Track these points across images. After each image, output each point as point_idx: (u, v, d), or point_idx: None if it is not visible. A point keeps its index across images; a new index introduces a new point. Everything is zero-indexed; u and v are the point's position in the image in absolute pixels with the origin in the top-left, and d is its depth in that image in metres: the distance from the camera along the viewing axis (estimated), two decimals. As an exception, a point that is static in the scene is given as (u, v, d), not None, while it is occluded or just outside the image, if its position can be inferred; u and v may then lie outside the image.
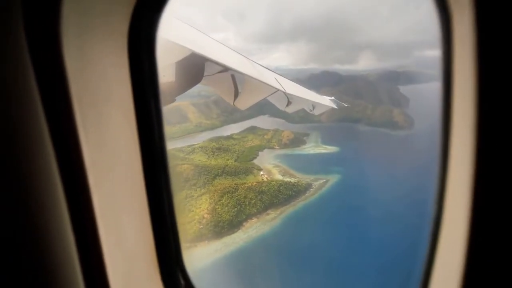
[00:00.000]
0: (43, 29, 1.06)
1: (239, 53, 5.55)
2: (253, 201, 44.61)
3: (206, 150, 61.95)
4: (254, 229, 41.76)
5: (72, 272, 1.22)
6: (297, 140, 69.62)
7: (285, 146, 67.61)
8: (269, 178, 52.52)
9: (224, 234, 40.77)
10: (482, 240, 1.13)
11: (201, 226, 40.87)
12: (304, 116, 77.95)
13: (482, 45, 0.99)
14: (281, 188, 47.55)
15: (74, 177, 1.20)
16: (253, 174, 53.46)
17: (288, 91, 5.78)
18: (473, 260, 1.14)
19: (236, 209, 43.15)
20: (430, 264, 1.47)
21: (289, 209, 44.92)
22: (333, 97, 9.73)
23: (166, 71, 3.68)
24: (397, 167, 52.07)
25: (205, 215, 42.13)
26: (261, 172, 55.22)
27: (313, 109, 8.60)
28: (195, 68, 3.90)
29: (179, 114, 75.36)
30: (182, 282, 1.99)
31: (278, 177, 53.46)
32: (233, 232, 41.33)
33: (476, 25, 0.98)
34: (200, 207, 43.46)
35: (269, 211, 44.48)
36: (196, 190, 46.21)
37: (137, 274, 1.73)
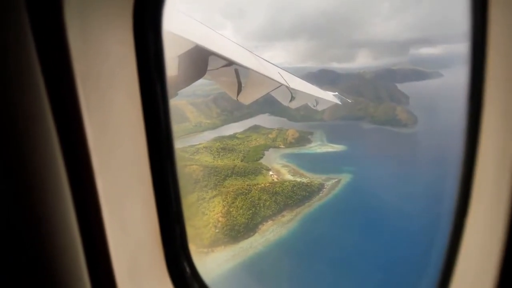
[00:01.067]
0: (45, 8, 1.03)
1: (243, 47, 5.36)
2: (267, 203, 42.96)
3: (211, 150, 60.71)
4: (271, 232, 40.12)
5: (75, 258, 1.20)
6: (302, 139, 68.66)
7: (290, 145, 66.60)
8: (279, 178, 51.17)
9: (241, 238, 39.03)
10: None
11: (217, 230, 39.05)
12: (306, 115, 77.68)
13: None
14: (294, 188, 46.03)
15: (77, 160, 1.17)
16: (262, 175, 51.98)
17: (292, 86, 5.65)
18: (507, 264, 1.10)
19: (251, 211, 41.46)
20: (450, 262, 1.40)
21: (305, 211, 43.47)
22: (336, 93, 9.61)
23: (168, 64, 3.17)
24: (408, 165, 51.30)
25: (220, 219, 40.32)
26: (270, 172, 53.87)
27: (316, 105, 8.47)
28: (198, 61, 3.78)
29: (177, 113, 73.80)
30: (187, 268, 1.92)
31: (288, 177, 52.12)
32: (250, 236, 39.62)
33: None
34: (214, 210, 41.62)
35: (284, 213, 42.94)
36: (208, 192, 44.33)
37: (142, 259, 1.67)
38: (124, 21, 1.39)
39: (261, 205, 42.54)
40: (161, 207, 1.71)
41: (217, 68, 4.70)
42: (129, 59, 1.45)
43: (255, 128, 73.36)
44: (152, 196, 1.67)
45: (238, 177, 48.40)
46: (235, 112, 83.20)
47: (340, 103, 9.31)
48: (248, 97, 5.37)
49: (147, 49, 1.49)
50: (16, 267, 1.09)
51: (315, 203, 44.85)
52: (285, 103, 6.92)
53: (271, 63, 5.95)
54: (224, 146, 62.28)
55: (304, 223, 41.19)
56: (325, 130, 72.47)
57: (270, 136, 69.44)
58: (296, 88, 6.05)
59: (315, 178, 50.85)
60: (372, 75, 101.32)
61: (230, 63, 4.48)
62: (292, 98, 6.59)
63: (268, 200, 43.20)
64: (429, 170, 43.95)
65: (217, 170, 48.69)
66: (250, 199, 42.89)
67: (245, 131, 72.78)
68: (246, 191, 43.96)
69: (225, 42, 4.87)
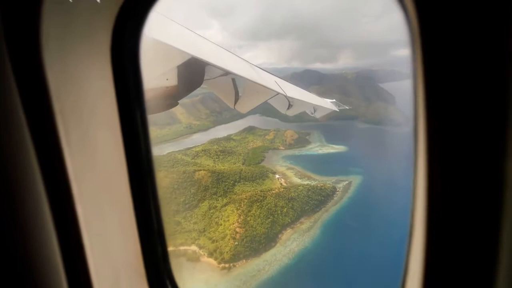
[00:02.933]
0: (24, 48, 1.09)
1: (239, 56, 5.39)
2: (284, 210, 40.10)
3: (210, 153, 57.54)
4: (293, 241, 37.24)
5: (57, 284, 1.25)
6: (301, 140, 66.89)
7: (290, 146, 64.58)
8: (287, 182, 48.80)
9: (262, 250, 35.80)
10: (437, 240, 1.17)
11: (236, 243, 35.52)
12: (298, 115, 75.65)
13: (425, 46, 1.03)
14: (309, 193, 43.64)
15: (59, 190, 1.23)
16: (269, 179, 49.34)
17: (289, 94, 5.71)
18: (431, 259, 1.18)
19: (269, 220, 38.39)
20: (406, 264, 1.45)
21: (323, 217, 41.08)
22: (334, 100, 9.68)
23: (169, 75, 3.61)
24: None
25: (238, 229, 36.84)
26: (276, 176, 51.38)
27: (314, 112, 8.55)
28: (196, 72, 3.90)
29: (168, 115, 70.05)
30: (170, 286, 1.91)
31: (296, 180, 49.91)
32: (271, 247, 36.45)
33: (418, 24, 1.01)
34: (228, 220, 38.08)
35: (302, 220, 40.31)
36: (218, 200, 40.76)
37: (124, 281, 1.67)
38: (102, 57, 1.42)
39: (279, 212, 39.63)
40: (143, 229, 1.71)
41: (214, 78, 4.77)
42: (109, 92, 1.47)
43: (251, 129, 71.06)
44: (133, 219, 1.67)
45: (246, 182, 45.33)
46: (224, 113, 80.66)
47: (338, 110, 9.32)
48: (245, 106, 5.41)
49: (126, 80, 1.51)
50: None
51: (332, 208, 42.72)
52: (283, 110, 6.92)
53: (267, 71, 5.93)
54: (223, 149, 59.36)
55: (325, 230, 38.74)
56: (321, 130, 71.27)
57: (267, 137, 67.36)
58: (294, 97, 6.06)
59: (325, 181, 48.98)
60: (354, 76, 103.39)
61: (226, 72, 4.46)
62: (290, 106, 6.62)
63: (285, 207, 40.41)
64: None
65: (224, 175, 45.32)
66: (266, 206, 39.86)
67: (240, 132, 70.49)
68: (261, 198, 40.87)
69: (221, 53, 4.87)
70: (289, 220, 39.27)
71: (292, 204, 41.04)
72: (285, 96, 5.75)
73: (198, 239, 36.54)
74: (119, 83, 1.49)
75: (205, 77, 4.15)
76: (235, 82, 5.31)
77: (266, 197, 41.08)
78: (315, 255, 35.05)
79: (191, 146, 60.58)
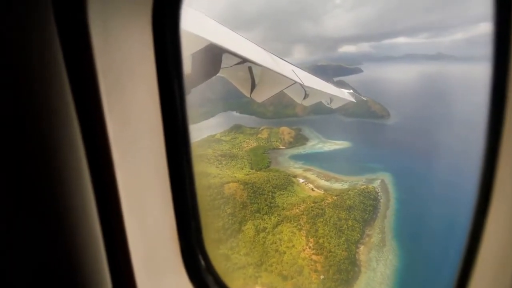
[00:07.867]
0: (70, 8, 1.09)
1: (257, 44, 5.19)
2: (349, 223, 32.47)
3: (209, 159, 46.92)
4: (376, 262, 29.69)
5: (95, 250, 1.26)
6: (299, 137, 60.34)
7: (290, 145, 57.44)
8: (317, 186, 41.69)
9: (351, 280, 27.56)
10: None
11: (322, 276, 26.51)
12: (276, 111, 70.12)
13: None
14: (361, 198, 36.87)
15: (98, 153, 1.23)
16: (296, 184, 41.43)
17: (306, 83, 5.68)
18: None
19: (342, 238, 30.34)
20: (469, 262, 1.38)
21: (385, 224, 34.71)
22: (351, 90, 9.41)
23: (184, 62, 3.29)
24: (430, 156, 48.40)
25: (314, 257, 27.81)
26: (301, 180, 43.68)
27: (330, 102, 8.46)
28: (212, 59, 3.79)
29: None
30: (202, 260, 1.96)
31: (325, 183, 43.06)
32: (357, 273, 28.42)
33: None
34: (294, 246, 28.75)
35: (367, 232, 33.27)
36: (264, 219, 31.02)
37: (159, 253, 1.73)
38: (144, 21, 1.43)
39: (345, 227, 31.89)
40: (178, 202, 1.72)
41: (231, 66, 4.67)
42: (148, 57, 1.48)
43: (238, 128, 61.93)
44: (169, 191, 1.69)
45: (282, 192, 36.63)
46: (189, 110, 69.12)
47: (355, 100, 9.10)
48: (261, 95, 5.32)
49: (165, 47, 1.52)
50: (37, 259, 1.14)
51: (387, 212, 36.74)
52: (299, 100, 6.83)
53: (285, 60, 5.80)
54: (222, 153, 49.22)
55: (401, 241, 32.29)
56: (308, 125, 65.77)
57: (260, 136, 59.16)
58: (311, 86, 5.94)
59: (356, 181, 43.14)
60: (307, 71, 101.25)
61: (243, 60, 4.45)
62: (306, 96, 6.49)
63: (348, 219, 32.85)
64: (453, 156, 41.34)
65: (257, 185, 35.67)
66: (331, 221, 31.73)
67: (228, 132, 60.90)
68: (321, 212, 32.54)
69: (238, 40, 4.75)
70: (358, 235, 31.90)
71: (353, 215, 33.71)
72: (302, 86, 5.48)
73: (259, 276, 26.62)
74: (158, 49, 1.47)
75: (222, 65, 3.80)
76: (251, 71, 5.11)
77: (325, 210, 32.97)
78: (413, 274, 28.41)
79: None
